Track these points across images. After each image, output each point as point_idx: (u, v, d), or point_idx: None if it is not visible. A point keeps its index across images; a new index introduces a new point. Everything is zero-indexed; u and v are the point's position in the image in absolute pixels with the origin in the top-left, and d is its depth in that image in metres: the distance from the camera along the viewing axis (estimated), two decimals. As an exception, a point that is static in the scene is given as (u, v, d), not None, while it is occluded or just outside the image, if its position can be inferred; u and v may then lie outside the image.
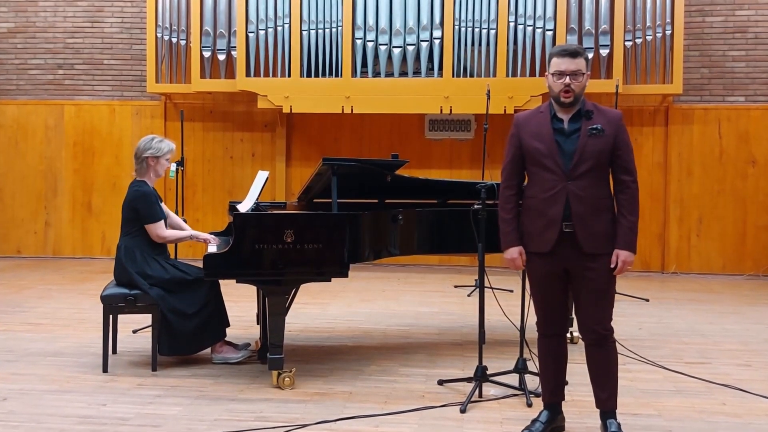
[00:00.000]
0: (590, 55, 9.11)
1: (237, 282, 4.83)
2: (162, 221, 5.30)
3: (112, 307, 5.16)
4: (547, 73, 3.88)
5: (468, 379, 4.81)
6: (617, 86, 8.13)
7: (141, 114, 10.39)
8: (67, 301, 7.61)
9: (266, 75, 9.43)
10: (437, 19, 9.12)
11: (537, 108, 3.99)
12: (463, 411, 4.41)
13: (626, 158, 3.82)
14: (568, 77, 3.76)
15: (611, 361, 3.91)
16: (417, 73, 9.24)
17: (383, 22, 9.16)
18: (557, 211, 3.77)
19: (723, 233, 9.70)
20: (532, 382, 4.73)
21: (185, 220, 6.31)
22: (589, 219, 3.76)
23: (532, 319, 4.66)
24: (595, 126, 3.76)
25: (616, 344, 3.95)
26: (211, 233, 5.65)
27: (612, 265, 3.78)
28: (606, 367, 3.91)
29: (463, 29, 9.12)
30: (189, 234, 5.49)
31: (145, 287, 5.12)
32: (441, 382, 4.93)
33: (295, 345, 5.88)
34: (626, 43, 9.19)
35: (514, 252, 3.95)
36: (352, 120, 10.01)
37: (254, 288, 5.68)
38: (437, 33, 9.12)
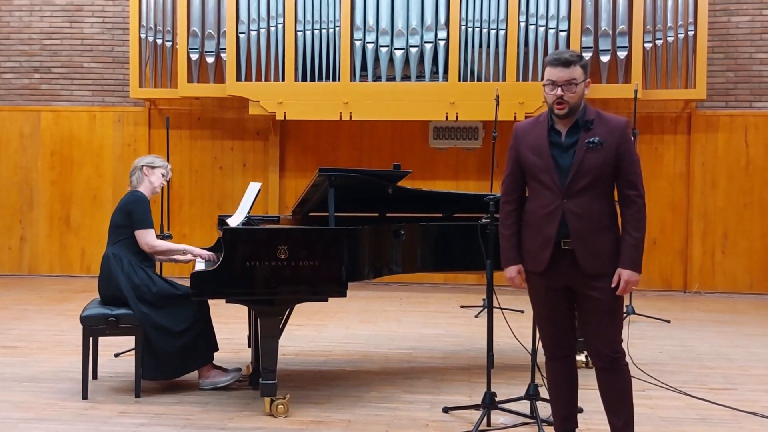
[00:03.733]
0: (606, 58, 9.17)
1: (227, 302, 4.86)
2: (153, 230, 5.36)
3: (93, 328, 5.19)
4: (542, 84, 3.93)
5: (475, 407, 4.83)
6: (636, 91, 8.16)
7: (123, 121, 10.44)
8: (44, 322, 7.63)
9: (258, 79, 9.49)
10: (442, 19, 9.18)
11: (537, 117, 4.02)
12: (470, 441, 4.43)
13: (630, 171, 3.83)
14: (560, 88, 3.78)
15: (625, 386, 3.93)
16: (420, 77, 9.28)
17: (384, 22, 9.22)
18: (552, 229, 3.82)
19: (750, 249, 9.73)
20: (545, 410, 4.75)
21: (171, 236, 6.36)
22: (590, 237, 3.80)
23: (543, 341, 4.69)
24: (592, 139, 3.78)
25: (632, 368, 3.96)
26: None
27: (613, 285, 3.80)
28: (619, 392, 3.93)
29: (470, 30, 9.17)
30: (182, 248, 5.52)
31: (131, 299, 5.15)
32: (446, 410, 4.95)
33: (289, 370, 5.91)
34: (646, 44, 9.24)
35: (512, 270, 4.01)
36: (350, 127, 10.06)
37: (245, 308, 5.71)
38: (442, 34, 9.17)
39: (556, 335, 4.01)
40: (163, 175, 5.57)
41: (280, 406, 4.82)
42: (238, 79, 9.48)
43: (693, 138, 9.79)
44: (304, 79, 9.39)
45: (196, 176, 10.37)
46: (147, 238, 5.32)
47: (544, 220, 3.85)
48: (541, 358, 4.87)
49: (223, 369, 5.47)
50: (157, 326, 5.16)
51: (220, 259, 4.79)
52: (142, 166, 5.48)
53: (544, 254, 3.85)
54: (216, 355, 5.45)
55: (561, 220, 3.80)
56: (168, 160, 6.75)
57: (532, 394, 4.83)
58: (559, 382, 4.09)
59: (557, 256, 3.83)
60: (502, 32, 9.14)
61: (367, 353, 6.55)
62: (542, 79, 3.91)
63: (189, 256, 5.49)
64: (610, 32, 9.21)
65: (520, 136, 3.99)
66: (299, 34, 9.36)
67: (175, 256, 5.50)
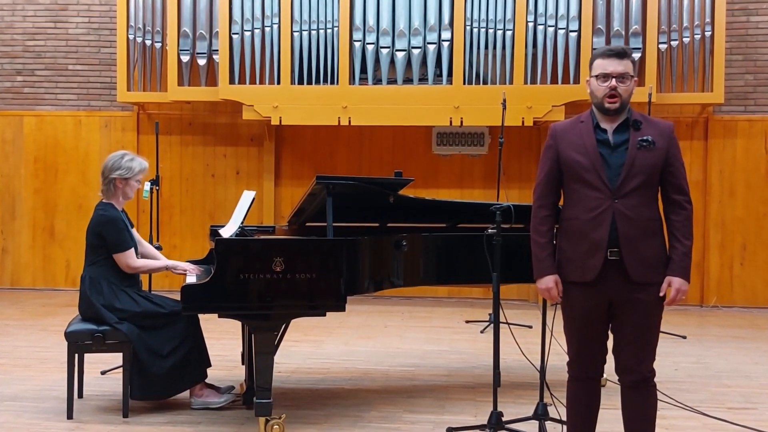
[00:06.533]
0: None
1: (219, 317, 4.86)
2: (132, 250, 5.35)
3: (78, 345, 5.20)
4: (588, 78, 3.94)
5: (481, 427, 4.83)
6: (650, 95, 8.17)
7: (110, 126, 10.47)
8: (27, 338, 7.65)
9: (252, 82, 9.50)
10: (446, 19, 9.20)
11: (577, 117, 4.04)
12: (475, 463, 4.44)
13: (679, 175, 3.89)
14: (614, 80, 3.81)
15: (651, 408, 3.94)
16: (423, 80, 9.31)
17: (385, 22, 9.24)
18: (602, 233, 3.80)
19: (771, 261, 9.74)
20: (554, 430, 4.75)
21: (160, 247, 6.36)
22: (639, 243, 3.79)
23: (552, 358, 4.70)
24: (645, 138, 3.81)
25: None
26: (189, 261, 5.70)
27: (662, 293, 3.80)
28: (644, 414, 3.93)
29: (475, 30, 9.20)
30: (164, 264, 5.54)
31: (114, 322, 5.16)
32: (451, 430, 4.95)
33: (285, 388, 5.91)
34: (660, 45, 9.26)
35: (549, 281, 3.96)
36: (349, 133, 10.09)
37: (239, 324, 5.72)
38: (446, 34, 9.20)
39: (586, 356, 3.99)
40: (138, 181, 5.54)
41: (275, 427, 4.82)
42: (231, 82, 9.49)
43: (710, 144, 9.80)
44: (300, 83, 9.40)
45: (187, 184, 10.39)
46: (126, 260, 5.31)
47: (590, 224, 3.82)
48: (552, 376, 4.89)
49: (216, 388, 5.48)
50: (145, 347, 5.17)
51: (213, 271, 4.81)
52: (114, 178, 5.39)
53: (592, 262, 3.82)
54: (209, 371, 5.46)
55: (611, 224, 3.79)
56: (157, 168, 6.79)
57: (540, 414, 4.84)
58: (580, 405, 4.06)
59: (604, 265, 3.81)
60: (509, 33, 9.16)
61: (367, 371, 6.55)
62: (590, 74, 3.91)
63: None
64: (623, 33, 9.22)
65: (558, 135, 3.99)
66: (296, 34, 9.38)
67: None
